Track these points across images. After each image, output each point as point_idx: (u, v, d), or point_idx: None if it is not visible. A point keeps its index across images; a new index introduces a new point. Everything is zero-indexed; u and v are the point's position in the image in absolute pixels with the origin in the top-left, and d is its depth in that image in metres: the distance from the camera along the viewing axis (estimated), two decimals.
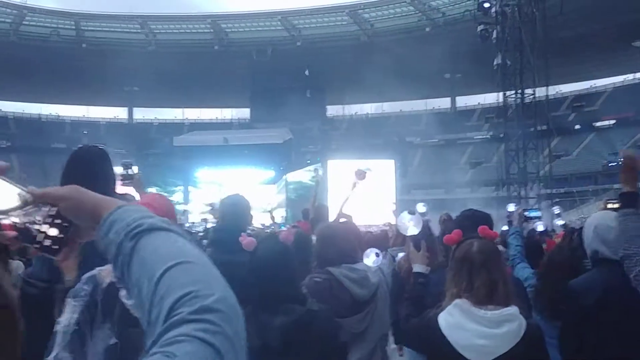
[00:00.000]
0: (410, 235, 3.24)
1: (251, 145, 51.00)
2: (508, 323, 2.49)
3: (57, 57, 51.76)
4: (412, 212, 3.25)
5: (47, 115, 64.13)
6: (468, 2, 38.91)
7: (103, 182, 3.19)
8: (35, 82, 53.04)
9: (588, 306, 2.98)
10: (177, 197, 49.15)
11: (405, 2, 52.79)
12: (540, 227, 6.02)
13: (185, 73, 49.96)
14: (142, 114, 67.95)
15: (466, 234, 2.94)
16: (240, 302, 0.97)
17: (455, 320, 2.53)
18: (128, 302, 2.16)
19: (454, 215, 9.32)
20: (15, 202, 1.04)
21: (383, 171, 48.23)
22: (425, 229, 6.72)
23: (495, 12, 26.56)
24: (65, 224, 1.08)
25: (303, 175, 48.02)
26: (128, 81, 56.69)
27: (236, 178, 45.83)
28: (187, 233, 0.96)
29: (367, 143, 47.31)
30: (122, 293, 2.20)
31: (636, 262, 2.72)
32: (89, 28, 56.26)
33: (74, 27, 55.79)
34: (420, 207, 9.45)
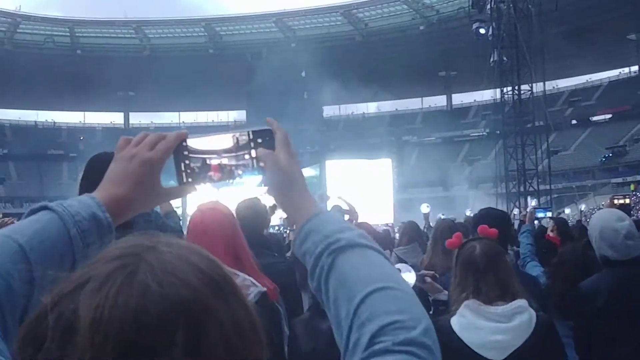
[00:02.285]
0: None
1: None
2: (519, 315, 2.48)
3: (53, 64, 51.72)
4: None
5: (43, 122, 64.10)
6: (462, 0, 38.98)
7: None
8: (30, 89, 52.96)
9: (598, 308, 2.98)
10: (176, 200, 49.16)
11: (399, 0, 52.84)
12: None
13: (180, 77, 49.95)
14: (139, 118, 67.95)
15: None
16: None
17: (468, 320, 2.52)
18: None
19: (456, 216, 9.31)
20: (228, 143, 1.06)
21: (380, 170, 48.37)
22: (417, 226, 6.74)
23: (490, 8, 26.60)
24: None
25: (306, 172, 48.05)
26: (123, 86, 56.69)
27: (233, 181, 45.85)
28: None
29: (364, 143, 47.39)
30: None
31: None
32: (84, 34, 56.27)
33: (68, 34, 55.77)
34: (424, 208, 9.50)
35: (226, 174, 1.06)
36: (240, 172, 1.06)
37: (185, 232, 2.78)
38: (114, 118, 67.46)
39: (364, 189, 45.22)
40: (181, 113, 68.36)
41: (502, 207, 24.19)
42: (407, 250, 5.92)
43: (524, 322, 2.48)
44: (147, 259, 0.63)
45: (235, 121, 67.31)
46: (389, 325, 0.81)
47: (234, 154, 1.05)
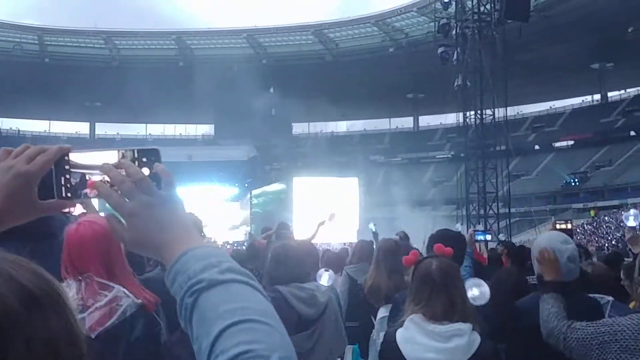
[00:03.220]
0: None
1: (215, 162, 50.78)
2: (457, 338, 2.53)
3: (20, 71, 50.88)
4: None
5: (7, 129, 62.84)
6: (430, 24, 39.60)
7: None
8: None
9: (533, 326, 3.00)
10: None
11: (370, 22, 53.46)
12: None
13: (149, 89, 49.56)
14: (105, 129, 67.22)
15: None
16: None
17: (410, 334, 2.59)
18: None
19: (410, 233, 9.45)
20: (112, 160, 1.03)
21: (347, 189, 48.56)
22: (370, 244, 6.85)
23: (456, 34, 27.07)
24: None
25: (269, 191, 47.99)
26: (91, 96, 56.12)
27: (200, 195, 45.51)
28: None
29: (332, 161, 47.54)
30: None
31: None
32: (53, 43, 55.60)
33: (37, 42, 55.06)
34: (372, 227, 9.68)
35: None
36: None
37: None
38: (80, 128, 66.62)
39: (330, 207, 45.39)
40: (148, 125, 67.83)
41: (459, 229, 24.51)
42: (356, 268, 6.00)
43: (460, 345, 2.52)
44: None
45: (203, 135, 67.01)
46: (242, 355, 0.81)
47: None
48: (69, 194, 1.03)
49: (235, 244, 29.69)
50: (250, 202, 47.98)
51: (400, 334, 2.62)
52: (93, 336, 2.12)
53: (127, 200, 0.99)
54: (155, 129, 68.14)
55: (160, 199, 1.00)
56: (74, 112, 59.34)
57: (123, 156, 1.04)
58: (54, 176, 1.04)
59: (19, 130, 63.46)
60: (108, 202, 1.00)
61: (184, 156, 51.99)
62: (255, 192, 48.25)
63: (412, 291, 2.77)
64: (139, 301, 2.25)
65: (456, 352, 2.52)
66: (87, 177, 1.04)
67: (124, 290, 2.25)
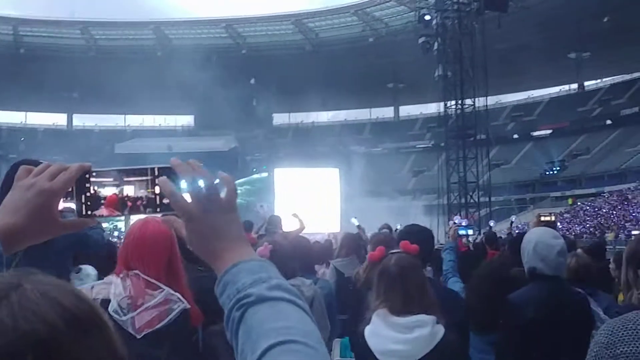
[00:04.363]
0: None
1: (196, 152, 50.53)
2: (419, 328, 2.60)
3: None
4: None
5: None
6: (410, 14, 39.67)
7: None
8: None
9: (527, 320, 3.08)
10: None
11: (349, 12, 53.37)
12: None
13: (127, 79, 49.03)
14: (82, 120, 66.46)
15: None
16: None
17: (375, 328, 2.67)
18: (117, 317, 2.14)
19: (393, 225, 9.51)
20: (132, 178, 1.05)
21: (328, 179, 48.61)
22: (357, 238, 6.90)
23: (436, 24, 27.18)
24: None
25: (250, 180, 47.89)
26: (67, 87, 55.39)
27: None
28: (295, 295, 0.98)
29: (313, 151, 47.60)
30: (111, 308, 2.17)
31: None
32: (28, 33, 54.69)
33: (11, 32, 54.12)
34: (354, 221, 9.74)
35: (129, 208, 1.04)
36: (143, 207, 1.04)
37: (123, 240, 2.78)
38: (57, 119, 65.82)
39: (311, 198, 45.43)
40: (127, 116, 67.21)
41: (443, 217, 24.71)
42: (344, 262, 6.01)
43: (423, 335, 2.59)
44: (9, 298, 0.64)
45: (183, 126, 66.58)
46: None
47: (138, 189, 1.04)
48: (90, 212, 1.05)
49: None
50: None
51: (367, 329, 2.70)
52: (139, 336, 2.11)
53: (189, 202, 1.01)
54: (134, 120, 67.57)
55: (219, 207, 1.02)
56: (50, 103, 58.58)
57: (143, 176, 1.05)
58: (74, 194, 1.05)
59: None
60: (171, 201, 1.01)
61: (163, 147, 51.73)
62: (236, 182, 48.15)
63: (374, 287, 2.84)
64: (188, 307, 2.24)
65: (418, 343, 2.59)
66: (110, 195, 1.05)
67: (174, 293, 2.24)
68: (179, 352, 2.22)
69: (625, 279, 2.36)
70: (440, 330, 2.63)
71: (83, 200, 1.05)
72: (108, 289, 2.23)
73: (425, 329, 2.61)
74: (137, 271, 2.24)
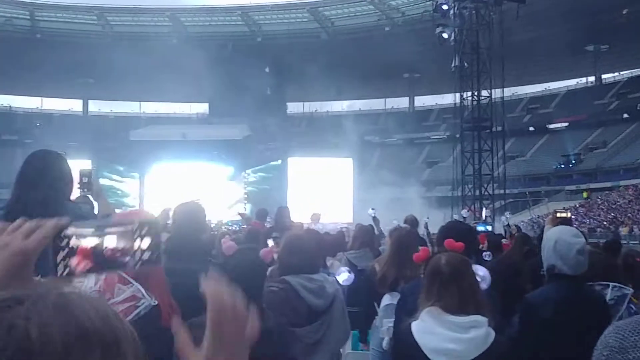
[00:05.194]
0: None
1: (210, 140, 50.65)
2: (475, 329, 2.58)
3: (11, 47, 50.30)
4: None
5: None
6: (427, 3, 39.33)
7: (57, 188, 3.19)
8: None
9: (545, 319, 3.07)
10: (132, 187, 48.54)
11: (366, 0, 53.06)
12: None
13: (142, 66, 49.15)
14: (98, 106, 66.66)
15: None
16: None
17: (427, 325, 2.64)
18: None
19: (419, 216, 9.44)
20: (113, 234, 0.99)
21: (341, 169, 48.62)
22: (371, 230, 6.87)
23: (453, 14, 26.93)
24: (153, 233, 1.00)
25: (264, 168, 48.08)
26: (83, 73, 55.60)
27: (195, 173, 45.46)
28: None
29: (327, 141, 47.55)
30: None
31: None
32: (44, 18, 54.95)
33: (28, 17, 54.41)
34: (371, 212, 9.72)
35: (107, 265, 0.99)
36: (125, 262, 0.99)
37: None
38: (73, 105, 66.05)
39: (324, 187, 45.64)
40: (142, 103, 67.37)
41: (457, 208, 24.57)
42: (358, 254, 6.00)
43: (479, 336, 2.58)
44: (26, 306, 0.66)
45: (197, 114, 66.68)
46: None
47: (119, 245, 0.98)
48: (66, 272, 0.98)
49: (232, 225, 29.44)
50: (245, 181, 48.01)
51: (416, 326, 2.67)
52: None
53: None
54: (149, 107, 67.73)
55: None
56: (66, 88, 58.80)
57: (125, 230, 0.99)
58: (51, 253, 0.98)
59: (10, 107, 63.01)
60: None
61: (178, 135, 51.85)
62: (249, 170, 48.26)
63: (424, 288, 2.82)
64: (156, 303, 2.22)
65: (474, 343, 2.57)
66: (88, 252, 0.97)
67: (142, 289, 2.21)
68: (147, 349, 2.18)
69: None
70: (492, 333, 2.63)
71: (58, 261, 0.97)
72: (83, 282, 2.21)
73: (481, 329, 2.60)
74: None
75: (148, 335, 2.20)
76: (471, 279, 2.79)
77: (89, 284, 2.19)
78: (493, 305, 3.40)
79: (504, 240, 7.94)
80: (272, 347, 2.45)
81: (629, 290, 3.33)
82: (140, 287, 2.22)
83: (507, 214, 16.93)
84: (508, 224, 13.81)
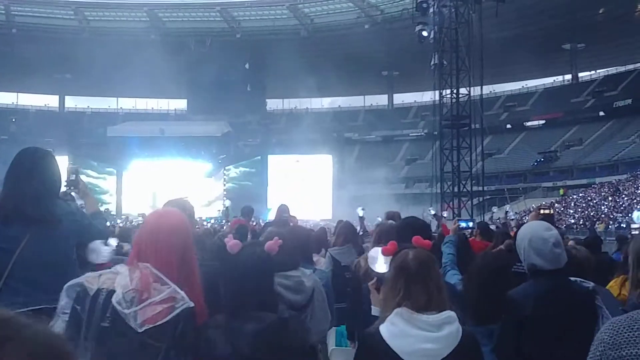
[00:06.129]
0: (378, 272, 3.32)
1: (188, 137, 50.37)
2: (448, 325, 2.54)
3: None
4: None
5: None
6: (407, 1, 39.48)
7: (48, 184, 3.21)
8: None
9: (525, 316, 3.05)
10: (109, 184, 48.10)
11: None
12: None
13: (120, 62, 48.65)
14: (75, 102, 65.86)
15: (402, 243, 3.01)
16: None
17: (399, 328, 2.56)
18: (120, 308, 2.12)
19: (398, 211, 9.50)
20: None
21: (321, 166, 48.67)
22: (354, 226, 6.87)
23: (433, 12, 27.03)
24: None
25: (244, 167, 47.86)
26: (60, 68, 54.90)
27: (173, 170, 45.20)
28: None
29: (306, 138, 47.56)
30: (115, 299, 2.13)
31: None
32: (20, 13, 54.08)
33: (3, 12, 53.53)
34: (360, 211, 9.71)
35: None
36: None
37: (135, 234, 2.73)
38: (49, 101, 65.23)
39: (304, 184, 45.72)
40: (119, 99, 66.70)
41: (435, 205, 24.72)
42: (342, 250, 5.99)
43: (452, 332, 2.54)
44: None
45: (175, 110, 66.21)
46: None
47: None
48: None
49: (212, 220, 29.45)
50: (224, 178, 47.83)
51: (386, 330, 2.58)
52: (140, 330, 2.09)
53: None
54: (127, 103, 67.07)
55: None
56: (43, 84, 58.00)
57: None
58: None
59: None
60: None
61: (156, 131, 51.48)
62: (229, 167, 48.09)
63: (389, 282, 2.74)
64: (192, 305, 2.21)
65: (449, 340, 2.54)
66: None
67: (179, 291, 2.19)
68: (178, 348, 2.19)
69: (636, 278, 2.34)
70: (460, 326, 2.59)
71: None
72: (114, 279, 2.20)
73: (454, 325, 2.57)
74: (147, 264, 2.21)
75: (185, 335, 2.23)
76: (437, 275, 2.75)
77: (123, 281, 2.17)
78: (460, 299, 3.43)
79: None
80: (288, 337, 2.46)
81: (590, 284, 3.33)
82: (177, 288, 2.19)
83: (495, 209, 17.05)
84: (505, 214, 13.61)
